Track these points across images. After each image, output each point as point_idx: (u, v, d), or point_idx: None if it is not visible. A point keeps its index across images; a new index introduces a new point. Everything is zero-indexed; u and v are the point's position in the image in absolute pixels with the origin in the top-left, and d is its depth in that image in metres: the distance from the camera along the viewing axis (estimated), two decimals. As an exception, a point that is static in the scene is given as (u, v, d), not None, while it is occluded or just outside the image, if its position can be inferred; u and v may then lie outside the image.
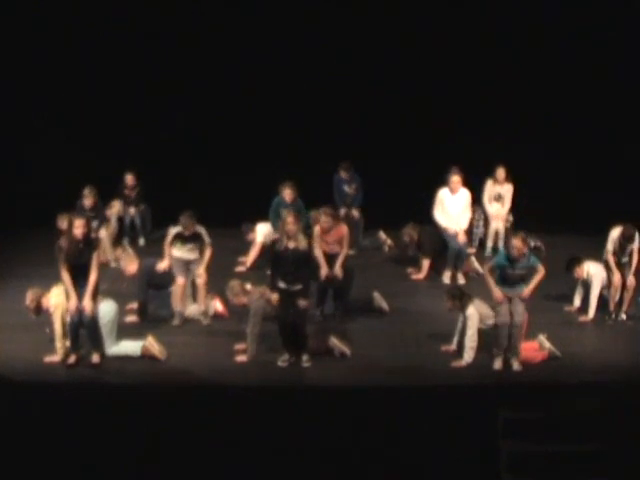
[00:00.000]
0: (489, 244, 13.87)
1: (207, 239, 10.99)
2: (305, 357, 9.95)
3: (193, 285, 11.27)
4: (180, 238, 10.96)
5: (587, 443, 8.90)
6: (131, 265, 11.33)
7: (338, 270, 11.09)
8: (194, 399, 9.27)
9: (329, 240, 11.20)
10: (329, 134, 14.51)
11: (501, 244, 13.55)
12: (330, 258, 11.15)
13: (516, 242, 9.88)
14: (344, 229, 11.30)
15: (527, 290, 9.94)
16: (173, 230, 11.01)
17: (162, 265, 11.00)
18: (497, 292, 9.89)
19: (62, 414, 9.00)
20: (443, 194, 12.69)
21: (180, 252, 11.01)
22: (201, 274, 11.02)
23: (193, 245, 10.98)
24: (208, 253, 11.00)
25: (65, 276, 9.76)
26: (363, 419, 9.08)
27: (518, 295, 9.93)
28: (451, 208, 12.65)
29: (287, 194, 12.62)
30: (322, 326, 10.72)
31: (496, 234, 13.83)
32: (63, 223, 11.49)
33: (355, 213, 13.82)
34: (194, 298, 11.27)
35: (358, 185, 13.84)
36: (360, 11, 14.57)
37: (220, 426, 9.03)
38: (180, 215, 10.95)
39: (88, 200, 12.86)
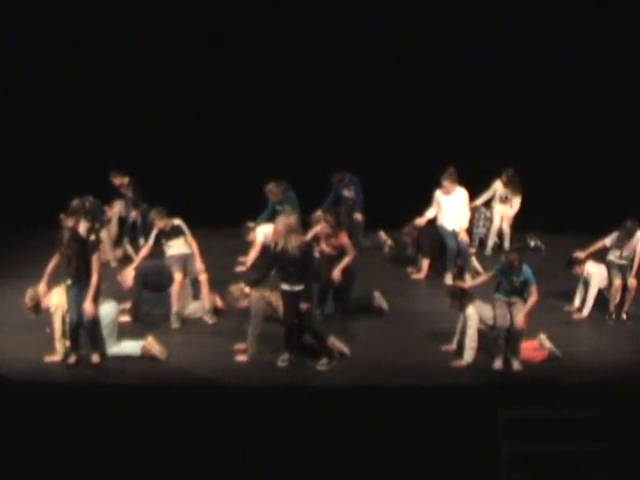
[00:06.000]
0: (489, 244, 13.89)
1: (187, 230, 11.11)
2: (324, 360, 9.88)
3: (193, 285, 11.27)
4: (164, 236, 11.08)
5: (587, 443, 8.90)
6: (128, 277, 11.26)
7: (336, 274, 11.04)
8: (194, 399, 9.27)
9: (329, 245, 11.19)
10: (330, 134, 14.51)
11: (506, 244, 13.71)
12: (330, 261, 11.14)
13: (505, 257, 10.15)
14: (344, 239, 11.18)
15: (521, 316, 9.93)
16: (154, 232, 11.12)
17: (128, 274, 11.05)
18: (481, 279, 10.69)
19: (62, 414, 9.00)
20: (439, 195, 12.68)
21: (173, 249, 11.04)
22: (201, 269, 11.03)
23: (178, 239, 11.06)
24: (194, 244, 11.10)
25: (50, 264, 9.84)
26: (363, 419, 9.07)
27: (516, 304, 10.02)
28: (448, 207, 12.61)
29: (269, 193, 12.76)
30: (323, 326, 10.73)
31: (500, 234, 13.85)
32: (68, 222, 11.50)
33: (358, 217, 13.81)
34: (195, 297, 11.26)
35: (356, 187, 13.82)
36: (360, 11, 14.58)
37: (220, 426, 9.02)
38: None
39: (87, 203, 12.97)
